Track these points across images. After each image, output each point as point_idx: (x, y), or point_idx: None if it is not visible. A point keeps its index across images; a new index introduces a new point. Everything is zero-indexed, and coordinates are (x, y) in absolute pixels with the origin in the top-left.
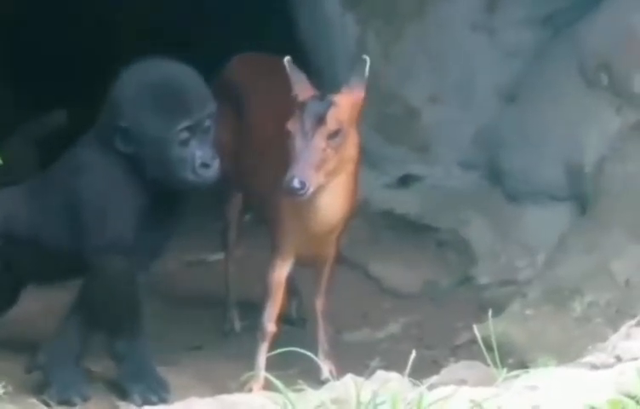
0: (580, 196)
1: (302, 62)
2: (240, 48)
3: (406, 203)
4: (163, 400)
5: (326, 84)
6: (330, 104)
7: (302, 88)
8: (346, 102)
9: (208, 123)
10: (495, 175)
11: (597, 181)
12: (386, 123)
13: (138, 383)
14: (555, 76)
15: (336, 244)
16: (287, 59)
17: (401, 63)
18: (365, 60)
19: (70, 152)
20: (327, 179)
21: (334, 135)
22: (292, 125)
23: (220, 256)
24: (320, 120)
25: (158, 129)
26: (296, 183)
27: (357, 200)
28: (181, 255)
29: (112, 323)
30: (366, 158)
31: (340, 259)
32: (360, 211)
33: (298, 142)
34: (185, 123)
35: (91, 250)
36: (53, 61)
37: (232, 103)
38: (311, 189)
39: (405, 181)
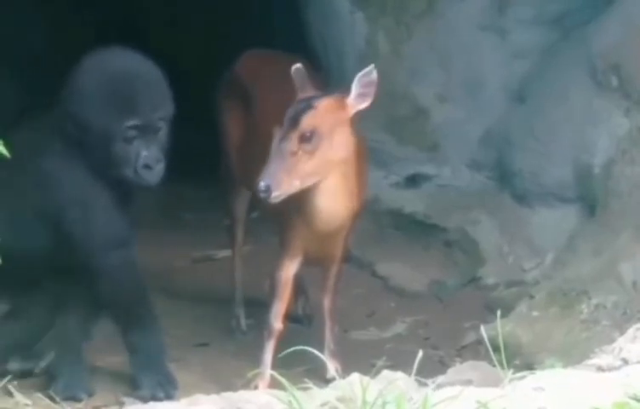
0: (589, 198)
1: (311, 60)
2: (250, 45)
3: (414, 202)
4: (170, 397)
5: (335, 82)
6: (307, 107)
7: (305, 92)
8: (328, 106)
9: (160, 125)
10: (504, 176)
11: (605, 183)
12: (395, 122)
13: (148, 376)
14: (564, 77)
15: (344, 243)
16: (295, 67)
17: (410, 62)
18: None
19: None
20: (303, 182)
21: (307, 138)
22: (278, 127)
23: (227, 253)
24: (294, 123)
25: (104, 121)
26: (262, 186)
27: (363, 200)
28: (188, 251)
29: (125, 315)
30: (374, 157)
31: (348, 258)
32: (368, 210)
33: (273, 144)
34: (132, 122)
35: (88, 254)
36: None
37: (241, 100)
38: (277, 193)
39: (413, 180)
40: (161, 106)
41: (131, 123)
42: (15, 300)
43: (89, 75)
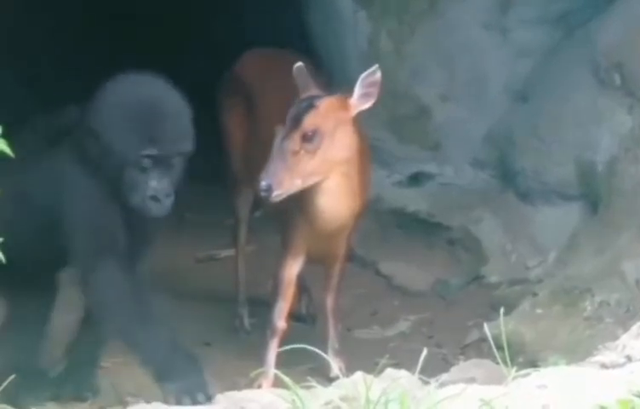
0: (592, 196)
1: (314, 60)
2: (254, 44)
3: (417, 201)
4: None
5: (337, 82)
6: (310, 107)
7: (307, 91)
8: (330, 106)
9: (176, 160)
10: (506, 174)
11: (608, 181)
12: (398, 121)
13: (172, 385)
14: (567, 75)
15: (346, 242)
16: (296, 66)
17: (413, 62)
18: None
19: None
20: (305, 181)
21: (309, 138)
22: (279, 126)
23: (230, 252)
24: (296, 123)
25: (121, 146)
26: (263, 185)
27: (366, 199)
28: (192, 251)
29: (119, 326)
30: (377, 156)
31: (351, 257)
32: (371, 209)
33: (275, 144)
34: (149, 152)
35: (80, 256)
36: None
37: (243, 99)
38: (278, 192)
39: (416, 179)
40: (179, 141)
41: (147, 152)
42: (14, 304)
43: (115, 97)
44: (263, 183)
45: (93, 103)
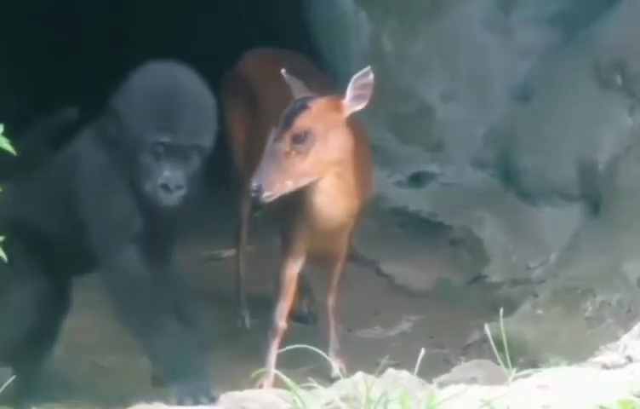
0: (593, 196)
1: (317, 60)
2: (255, 45)
3: (418, 201)
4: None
5: (341, 82)
6: (301, 108)
7: (300, 94)
8: (322, 107)
9: (193, 153)
10: (508, 174)
11: (610, 181)
12: (399, 121)
13: (175, 385)
14: (569, 75)
15: (347, 242)
16: (282, 72)
17: (415, 61)
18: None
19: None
20: (296, 183)
21: (300, 139)
22: (274, 127)
23: (231, 252)
24: (288, 124)
25: (138, 129)
26: (253, 187)
27: (366, 199)
28: (193, 251)
29: (135, 316)
30: (379, 156)
31: (352, 256)
32: (372, 209)
33: (267, 145)
34: (163, 139)
35: (97, 242)
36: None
37: (245, 98)
38: (269, 193)
39: (418, 179)
40: (197, 134)
41: (161, 139)
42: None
43: (140, 81)
44: (254, 184)
45: (121, 85)
